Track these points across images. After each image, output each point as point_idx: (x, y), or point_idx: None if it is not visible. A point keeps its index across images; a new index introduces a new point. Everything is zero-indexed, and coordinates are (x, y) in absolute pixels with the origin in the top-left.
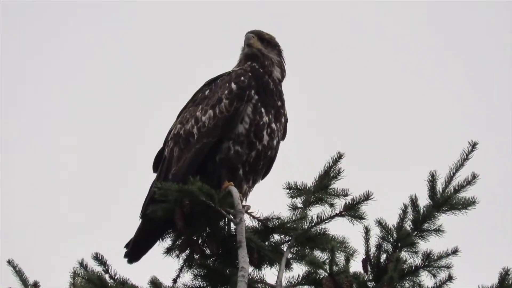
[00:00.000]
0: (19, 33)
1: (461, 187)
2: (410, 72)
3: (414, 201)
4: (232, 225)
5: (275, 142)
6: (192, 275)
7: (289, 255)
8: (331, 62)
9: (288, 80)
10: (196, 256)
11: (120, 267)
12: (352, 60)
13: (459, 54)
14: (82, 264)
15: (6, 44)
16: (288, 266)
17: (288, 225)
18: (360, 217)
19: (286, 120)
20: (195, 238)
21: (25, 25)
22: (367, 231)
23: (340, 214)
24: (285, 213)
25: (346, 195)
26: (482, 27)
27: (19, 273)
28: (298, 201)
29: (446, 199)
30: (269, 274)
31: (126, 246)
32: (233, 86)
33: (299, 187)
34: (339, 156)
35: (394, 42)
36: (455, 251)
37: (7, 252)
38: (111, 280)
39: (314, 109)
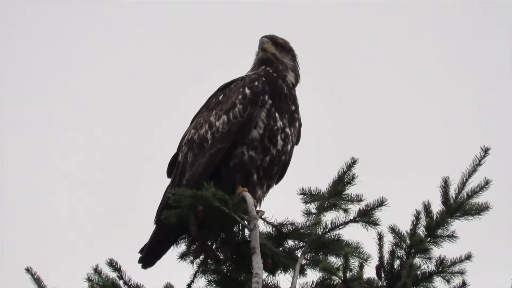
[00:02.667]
0: (23, 33)
1: (474, 192)
2: (425, 77)
3: (427, 207)
4: (246, 231)
5: (289, 147)
6: (206, 280)
7: (303, 261)
8: (345, 66)
9: (302, 85)
10: (210, 262)
11: (135, 273)
12: (366, 64)
13: (473, 57)
14: (96, 270)
15: (14, 45)
16: (302, 272)
17: (302, 230)
18: (374, 223)
19: (300, 125)
20: (209, 244)
21: (30, 25)
22: (380, 237)
23: (354, 220)
24: (299, 219)
25: (360, 200)
26: (488, 26)
27: (37, 281)
28: (312, 207)
29: (459, 205)
30: (283, 280)
31: (141, 251)
32: (247, 91)
33: (313, 192)
34: (353, 162)
35: (410, 47)
36: (468, 257)
37: (22, 258)
38: (126, 286)
39: (327, 114)
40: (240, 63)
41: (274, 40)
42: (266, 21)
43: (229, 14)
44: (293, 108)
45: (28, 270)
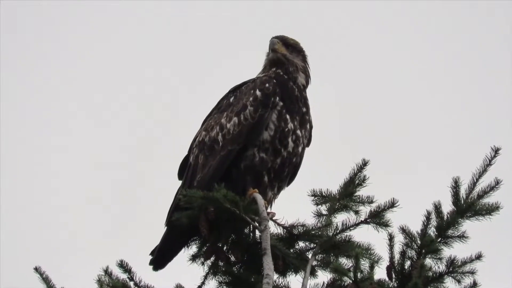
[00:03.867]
0: (29, 33)
1: (485, 192)
2: (435, 76)
3: (437, 208)
4: (257, 232)
5: (300, 148)
6: (217, 282)
7: (314, 262)
8: (354, 67)
9: (312, 86)
10: (221, 263)
11: (145, 275)
12: (375, 64)
13: (484, 55)
14: (107, 272)
15: (21, 44)
16: (313, 273)
17: (313, 232)
18: (385, 224)
19: (311, 127)
20: (220, 245)
21: (35, 24)
22: (391, 238)
23: (365, 221)
24: (310, 220)
25: (371, 202)
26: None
27: (46, 280)
28: (323, 208)
29: (469, 205)
30: (294, 281)
31: (152, 253)
32: (258, 93)
33: (324, 194)
34: (364, 163)
35: (418, 45)
36: (479, 257)
37: (33, 258)
38: (136, 287)
39: (338, 115)
40: (250, 64)
41: (284, 41)
42: (275, 22)
43: (237, 15)
44: (304, 110)
45: (36, 269)
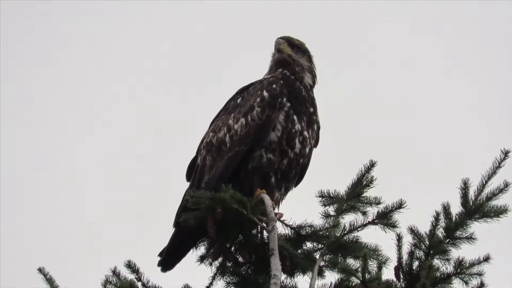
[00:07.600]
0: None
1: (493, 195)
2: (445, 77)
3: (446, 209)
4: (265, 233)
5: (307, 149)
6: (225, 282)
7: (322, 263)
8: (361, 67)
9: (319, 86)
10: (228, 264)
11: (153, 275)
12: (382, 64)
13: (493, 56)
14: (114, 272)
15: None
16: (320, 273)
17: (321, 233)
18: (393, 225)
19: (318, 127)
20: (228, 246)
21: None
22: (399, 238)
23: (372, 222)
24: (318, 221)
25: (379, 203)
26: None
27: (50, 281)
28: (331, 209)
29: (478, 206)
30: (302, 281)
31: (160, 254)
32: (265, 94)
33: (331, 195)
34: (372, 164)
35: (425, 47)
36: (487, 259)
37: (39, 259)
38: None
39: (345, 115)
40: (257, 65)
41: (289, 41)
42: (279, 23)
43: (242, 16)
44: (311, 110)
45: (40, 270)
